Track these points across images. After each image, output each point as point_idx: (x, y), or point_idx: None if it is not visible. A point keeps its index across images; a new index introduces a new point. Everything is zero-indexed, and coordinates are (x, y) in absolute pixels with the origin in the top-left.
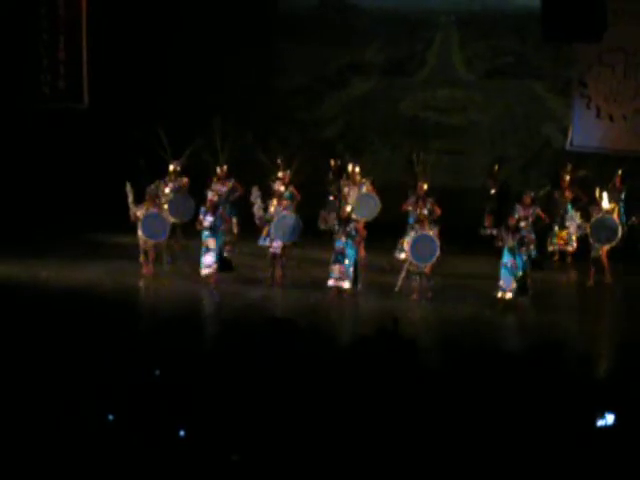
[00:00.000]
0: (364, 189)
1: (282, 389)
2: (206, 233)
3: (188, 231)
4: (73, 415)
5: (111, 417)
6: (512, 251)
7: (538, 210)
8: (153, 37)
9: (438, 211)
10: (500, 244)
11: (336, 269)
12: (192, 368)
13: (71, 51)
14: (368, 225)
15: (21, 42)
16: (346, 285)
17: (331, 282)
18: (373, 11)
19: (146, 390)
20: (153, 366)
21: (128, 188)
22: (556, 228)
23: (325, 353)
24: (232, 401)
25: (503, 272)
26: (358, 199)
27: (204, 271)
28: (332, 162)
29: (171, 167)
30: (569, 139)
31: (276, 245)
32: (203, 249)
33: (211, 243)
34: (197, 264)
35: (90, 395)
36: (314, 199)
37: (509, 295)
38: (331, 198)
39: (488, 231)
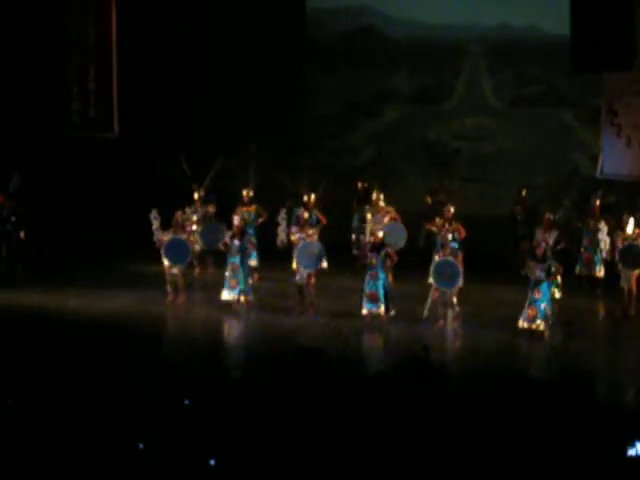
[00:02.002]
0: (387, 218)
1: (310, 418)
2: (233, 258)
3: (220, 259)
4: (103, 444)
5: (141, 446)
6: (539, 281)
7: (558, 233)
8: (183, 65)
9: (463, 233)
10: (527, 274)
11: (371, 296)
12: (221, 398)
13: (101, 80)
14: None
15: (52, 70)
16: (380, 311)
17: (365, 310)
18: (402, 40)
19: (176, 419)
20: (183, 396)
21: (154, 215)
22: (583, 253)
23: (355, 381)
24: (261, 431)
25: (530, 302)
26: (386, 228)
27: (225, 295)
28: (360, 185)
29: (196, 195)
30: (599, 167)
31: (301, 275)
32: (229, 274)
33: (238, 268)
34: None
35: (121, 424)
36: (340, 224)
37: (534, 324)
38: (357, 223)
39: (526, 272)
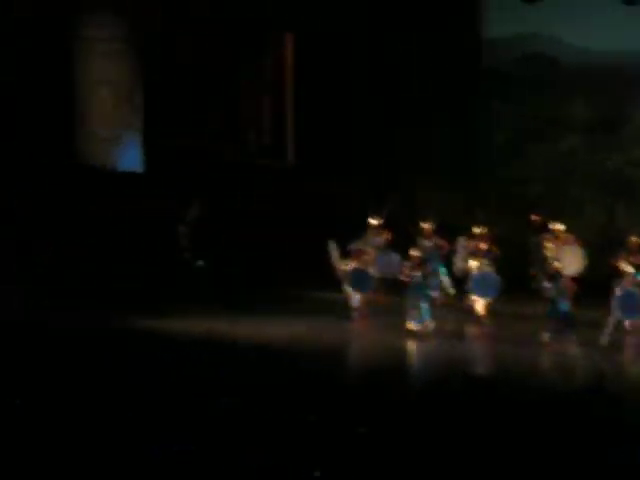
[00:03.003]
0: (567, 245)
1: (479, 446)
2: (413, 288)
3: (396, 286)
4: (280, 472)
5: (317, 474)
6: None
7: None
8: (355, 96)
9: None
10: None
11: (551, 323)
12: (397, 424)
13: (277, 110)
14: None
15: (229, 100)
16: (559, 340)
17: (545, 337)
18: (575, 65)
19: (351, 446)
20: (357, 423)
21: (332, 246)
22: None
23: (529, 409)
24: (433, 455)
25: None
26: (564, 254)
27: (410, 325)
28: (533, 217)
29: (372, 222)
30: None
31: (477, 302)
32: (410, 304)
33: (417, 299)
34: (403, 319)
35: (296, 452)
36: (516, 255)
37: None
38: (536, 255)
39: None
